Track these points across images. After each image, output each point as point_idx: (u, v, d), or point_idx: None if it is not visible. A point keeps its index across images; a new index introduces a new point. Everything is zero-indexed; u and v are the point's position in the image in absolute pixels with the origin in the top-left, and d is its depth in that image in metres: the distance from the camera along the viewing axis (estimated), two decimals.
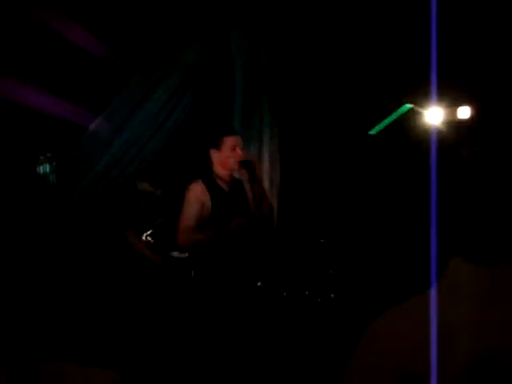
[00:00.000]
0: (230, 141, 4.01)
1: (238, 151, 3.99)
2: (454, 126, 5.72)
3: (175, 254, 4.19)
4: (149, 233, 4.40)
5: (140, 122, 5.89)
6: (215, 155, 4.02)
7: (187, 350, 3.54)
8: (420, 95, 5.61)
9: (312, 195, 6.14)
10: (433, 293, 1.31)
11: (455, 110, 5.86)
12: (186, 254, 4.10)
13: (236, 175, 4.21)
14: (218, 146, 4.00)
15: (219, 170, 4.04)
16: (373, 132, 4.56)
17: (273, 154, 6.28)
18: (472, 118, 5.83)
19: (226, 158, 3.99)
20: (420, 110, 4.48)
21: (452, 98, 5.80)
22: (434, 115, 5.77)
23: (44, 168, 4.09)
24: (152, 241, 4.35)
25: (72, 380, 1.23)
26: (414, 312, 1.33)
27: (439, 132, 5.43)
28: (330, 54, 6.05)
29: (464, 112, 5.85)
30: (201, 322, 3.67)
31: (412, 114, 5.86)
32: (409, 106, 3.70)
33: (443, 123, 5.75)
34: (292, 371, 3.77)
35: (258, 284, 4.09)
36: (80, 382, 1.24)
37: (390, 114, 5.96)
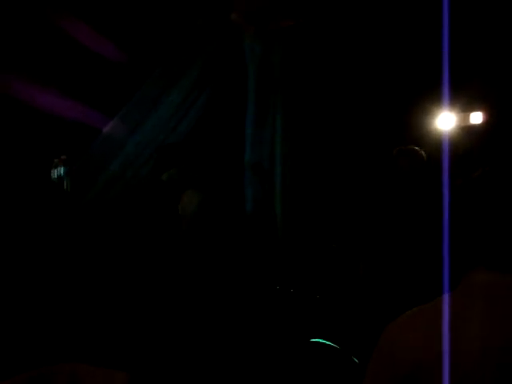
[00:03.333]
0: None
1: None
2: (467, 131, 5.71)
3: None
4: None
5: (153, 125, 5.93)
6: None
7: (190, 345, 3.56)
8: (432, 100, 5.60)
9: (324, 198, 6.14)
10: (447, 298, 1.35)
11: (468, 116, 5.84)
12: None
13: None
14: None
15: None
16: None
17: (285, 155, 6.29)
18: (485, 124, 5.81)
19: None
20: None
21: (465, 103, 5.79)
22: (446, 120, 5.75)
23: (58, 171, 4.13)
24: None
25: (85, 380, 1.26)
26: (429, 317, 1.36)
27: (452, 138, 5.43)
28: (343, 57, 6.06)
29: (477, 117, 5.83)
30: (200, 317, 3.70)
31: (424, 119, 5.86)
32: None
33: (455, 128, 5.74)
34: (303, 376, 3.78)
35: (277, 288, 4.11)
36: (93, 382, 1.27)
37: (402, 118, 5.96)
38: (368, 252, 4.79)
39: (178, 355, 3.48)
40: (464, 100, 5.73)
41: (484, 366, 1.26)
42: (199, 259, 3.98)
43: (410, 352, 1.32)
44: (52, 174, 4.09)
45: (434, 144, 5.42)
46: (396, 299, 4.07)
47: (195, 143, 5.96)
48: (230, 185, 6.08)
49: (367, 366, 1.39)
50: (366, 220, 5.09)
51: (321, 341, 3.76)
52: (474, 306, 1.31)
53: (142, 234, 4.13)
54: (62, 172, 4.11)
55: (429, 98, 5.54)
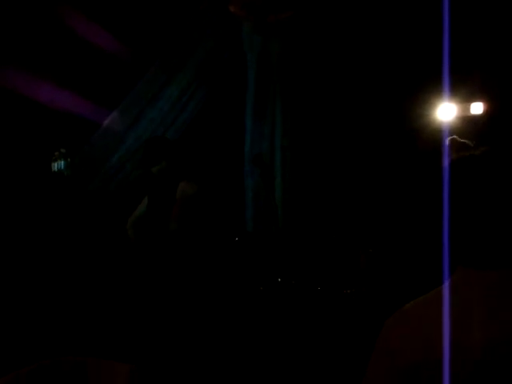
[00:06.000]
0: None
1: None
2: (467, 121, 5.70)
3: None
4: None
5: (152, 118, 5.93)
6: None
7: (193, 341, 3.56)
8: (433, 90, 5.59)
9: (323, 190, 6.14)
10: (445, 289, 1.34)
11: (468, 106, 5.82)
12: None
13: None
14: None
15: None
16: None
17: (285, 149, 6.29)
18: (485, 114, 5.80)
19: None
20: None
21: (465, 94, 5.77)
22: (446, 111, 5.74)
23: (59, 164, 4.12)
24: None
25: (93, 372, 1.27)
26: (427, 310, 1.35)
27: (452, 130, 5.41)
28: (342, 48, 6.04)
29: (477, 107, 5.82)
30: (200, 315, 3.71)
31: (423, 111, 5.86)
32: None
33: (456, 119, 5.73)
34: (302, 371, 3.78)
35: (278, 280, 4.12)
36: (100, 374, 1.27)
37: (403, 108, 5.95)
38: (369, 243, 4.80)
39: (179, 346, 3.48)
40: (464, 90, 5.72)
41: (486, 359, 1.25)
42: (191, 250, 3.98)
43: (410, 346, 1.31)
44: (52, 167, 4.08)
45: (434, 134, 5.42)
46: (397, 291, 4.09)
47: (194, 136, 5.96)
48: (229, 176, 6.08)
49: (368, 360, 1.39)
50: (367, 212, 5.08)
51: None
52: (472, 299, 1.30)
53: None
54: (62, 165, 4.10)
55: (429, 88, 5.53)
